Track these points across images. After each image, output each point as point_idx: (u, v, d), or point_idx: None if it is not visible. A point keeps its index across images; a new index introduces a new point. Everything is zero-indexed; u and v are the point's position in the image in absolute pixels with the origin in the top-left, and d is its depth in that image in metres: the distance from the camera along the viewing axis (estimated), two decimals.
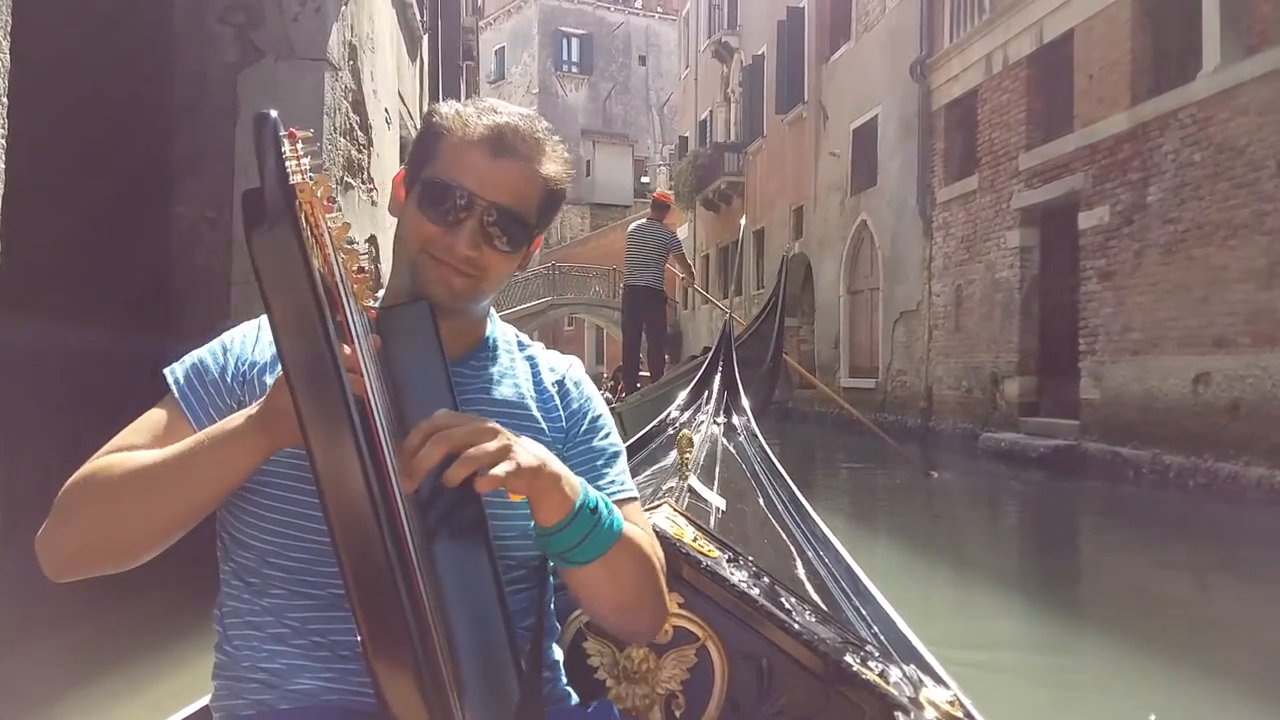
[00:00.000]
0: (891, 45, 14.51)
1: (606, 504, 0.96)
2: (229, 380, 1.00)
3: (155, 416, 0.99)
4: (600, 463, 1.08)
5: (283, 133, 0.71)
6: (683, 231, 23.13)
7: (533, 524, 0.92)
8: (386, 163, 5.48)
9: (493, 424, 0.85)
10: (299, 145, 0.73)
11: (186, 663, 2.43)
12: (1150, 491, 8.12)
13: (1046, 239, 10.92)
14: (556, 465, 0.90)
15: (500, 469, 0.81)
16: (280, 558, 0.95)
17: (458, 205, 0.97)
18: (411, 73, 6.90)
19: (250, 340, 1.04)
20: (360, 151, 4.91)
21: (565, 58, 35.77)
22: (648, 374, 9.38)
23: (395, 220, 1.04)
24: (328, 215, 0.77)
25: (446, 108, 1.02)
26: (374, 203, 5.13)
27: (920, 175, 13.52)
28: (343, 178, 4.59)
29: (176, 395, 1.00)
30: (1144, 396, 8.73)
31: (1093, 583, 5.53)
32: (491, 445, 0.82)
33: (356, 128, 4.86)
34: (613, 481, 1.07)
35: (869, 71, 15.51)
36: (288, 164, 0.71)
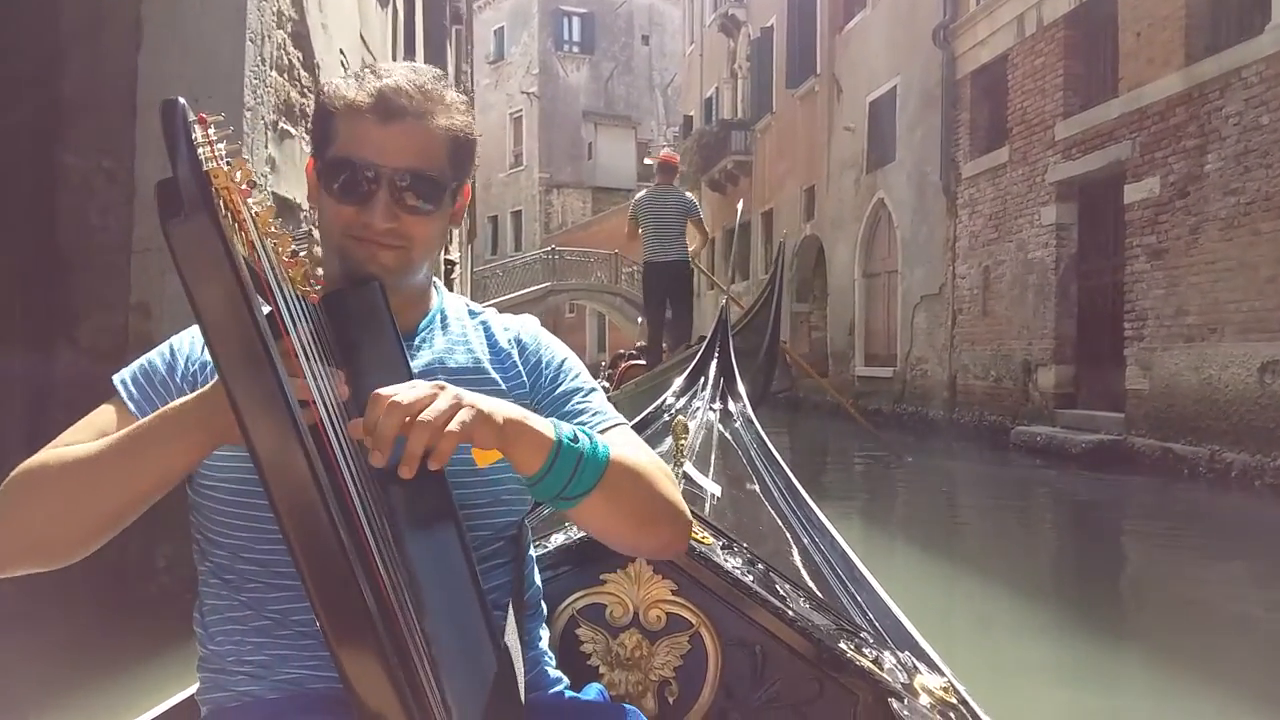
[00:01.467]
0: (911, 10, 13.68)
1: (585, 432, 0.94)
2: (178, 380, 1.00)
3: (100, 416, 0.98)
4: (577, 400, 1.07)
5: (192, 118, 0.71)
6: None
7: (523, 478, 0.90)
8: None
9: (440, 383, 0.84)
10: (210, 130, 0.73)
11: (172, 655, 2.34)
12: (1209, 492, 7.47)
13: (1086, 215, 10.14)
14: (518, 411, 0.89)
15: (456, 423, 0.80)
16: (251, 552, 0.95)
17: (364, 179, 0.95)
18: (381, 19, 6.07)
19: (199, 341, 1.03)
20: (303, 94, 4.07)
21: (566, 37, 34.87)
22: (643, 363, 8.80)
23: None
24: (248, 200, 0.76)
25: (330, 85, 1.00)
26: None
27: (943, 149, 12.67)
28: (278, 123, 3.75)
29: (124, 395, 0.99)
30: (1201, 387, 7.99)
31: (1138, 588, 4.95)
32: (443, 403, 0.81)
33: (298, 64, 4.02)
34: (596, 413, 1.06)
35: (887, 40, 14.67)
36: (200, 150, 0.70)
